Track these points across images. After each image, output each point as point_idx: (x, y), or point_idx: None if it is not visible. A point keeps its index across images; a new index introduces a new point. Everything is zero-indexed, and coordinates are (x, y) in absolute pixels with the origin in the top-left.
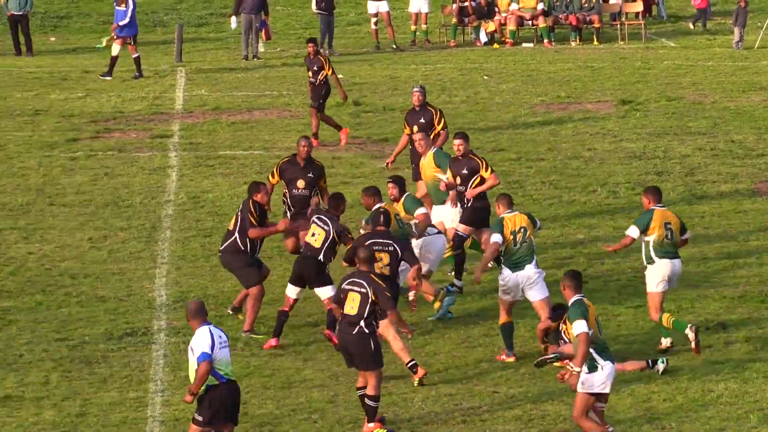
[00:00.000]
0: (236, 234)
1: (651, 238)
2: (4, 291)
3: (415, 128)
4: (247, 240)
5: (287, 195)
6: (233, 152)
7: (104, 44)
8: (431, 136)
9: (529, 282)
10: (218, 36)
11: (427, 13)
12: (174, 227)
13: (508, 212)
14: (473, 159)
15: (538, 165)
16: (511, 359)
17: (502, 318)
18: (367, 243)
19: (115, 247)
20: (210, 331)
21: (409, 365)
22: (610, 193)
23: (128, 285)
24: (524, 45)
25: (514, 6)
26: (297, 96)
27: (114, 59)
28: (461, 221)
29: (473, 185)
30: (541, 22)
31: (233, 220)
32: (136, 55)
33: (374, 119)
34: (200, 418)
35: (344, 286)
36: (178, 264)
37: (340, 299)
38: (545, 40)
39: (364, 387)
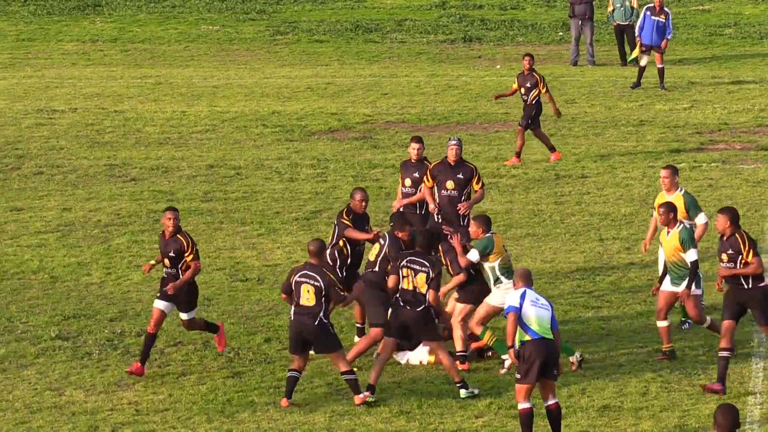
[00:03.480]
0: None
1: (495, 263)
2: (605, 301)
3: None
4: None
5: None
6: None
7: (634, 56)
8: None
9: None
10: None
11: None
12: None
13: None
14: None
15: None
16: None
17: None
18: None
19: None
20: (525, 291)
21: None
22: None
23: None
24: None
25: None
26: None
27: (642, 70)
28: None
29: None
30: None
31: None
32: (660, 65)
33: None
34: (518, 375)
35: (297, 278)
36: None
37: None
38: None
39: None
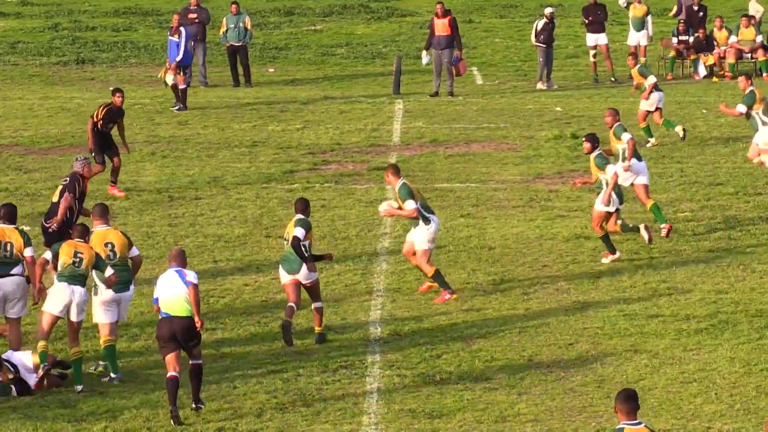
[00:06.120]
0: None
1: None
2: (219, 323)
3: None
4: None
5: None
6: (450, 185)
7: (162, 77)
8: None
9: None
10: None
11: (645, 46)
12: (390, 260)
13: None
14: None
15: (756, 199)
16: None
17: None
18: None
19: (331, 279)
20: (166, 273)
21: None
22: None
23: (343, 317)
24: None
25: (733, 39)
26: (515, 128)
27: (174, 88)
28: None
29: None
30: (761, 56)
31: None
32: (183, 86)
33: None
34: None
35: None
36: (393, 297)
37: None
38: (764, 74)
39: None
